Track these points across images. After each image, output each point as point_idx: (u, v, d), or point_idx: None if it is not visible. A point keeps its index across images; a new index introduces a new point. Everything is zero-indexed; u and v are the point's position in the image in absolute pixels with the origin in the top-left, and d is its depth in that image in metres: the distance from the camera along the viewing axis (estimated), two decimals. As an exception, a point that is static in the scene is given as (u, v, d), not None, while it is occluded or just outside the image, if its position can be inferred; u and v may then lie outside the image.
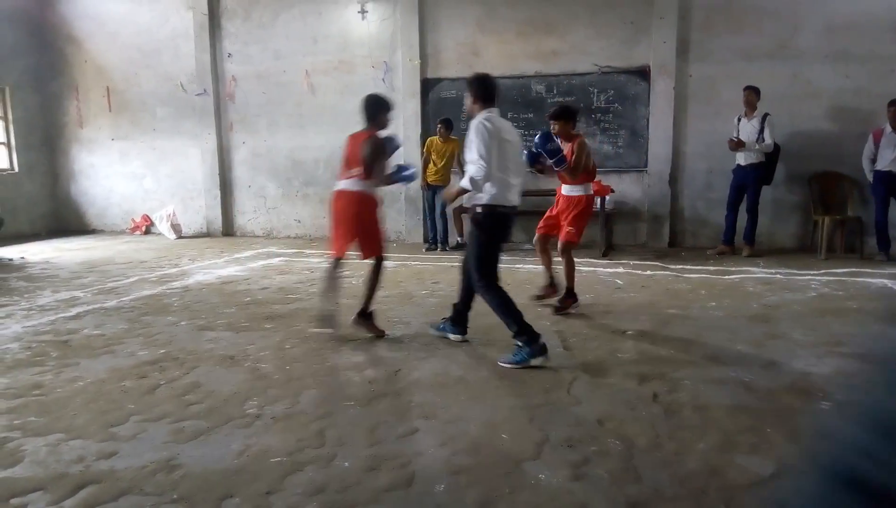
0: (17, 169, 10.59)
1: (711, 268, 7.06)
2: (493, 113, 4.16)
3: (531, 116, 8.89)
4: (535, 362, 3.96)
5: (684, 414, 3.28)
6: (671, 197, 8.56)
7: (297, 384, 3.77)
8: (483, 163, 3.96)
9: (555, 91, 8.80)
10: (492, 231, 4.16)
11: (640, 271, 6.98)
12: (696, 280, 6.48)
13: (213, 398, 3.56)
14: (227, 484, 2.64)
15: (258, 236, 10.03)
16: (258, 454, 2.91)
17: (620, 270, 7.10)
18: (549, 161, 5.06)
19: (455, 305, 4.57)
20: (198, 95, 10.00)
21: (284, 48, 9.75)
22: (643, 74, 8.44)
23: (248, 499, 2.54)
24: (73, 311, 5.56)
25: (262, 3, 9.77)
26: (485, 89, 4.17)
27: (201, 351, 4.39)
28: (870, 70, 7.70)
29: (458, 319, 4.54)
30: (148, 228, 10.58)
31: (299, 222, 10.11)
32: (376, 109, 4.59)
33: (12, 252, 8.68)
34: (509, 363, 4.00)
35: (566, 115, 5.27)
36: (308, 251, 8.68)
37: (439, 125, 8.44)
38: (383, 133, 4.65)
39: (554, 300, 5.38)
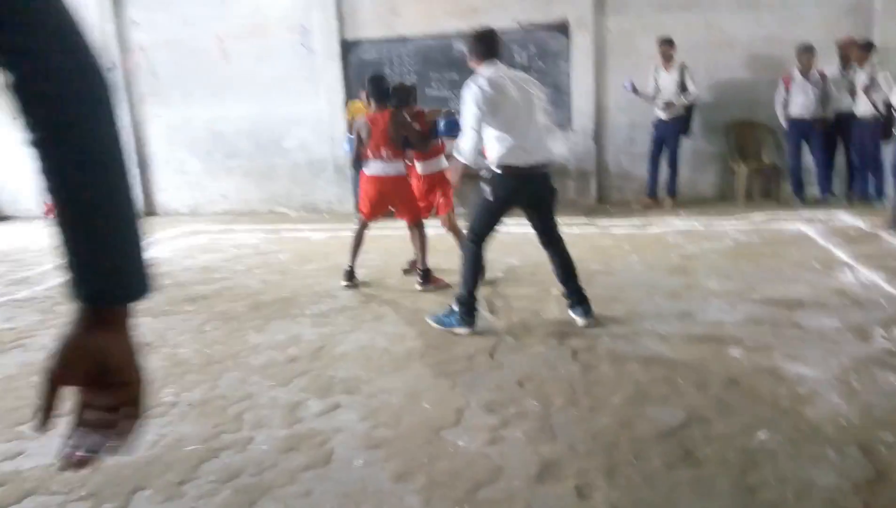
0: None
1: (636, 222, 7.22)
2: (493, 69, 3.89)
3: (455, 76, 8.78)
4: (459, 330, 3.99)
5: (601, 370, 3.37)
6: (596, 153, 8.65)
7: (217, 367, 3.69)
8: (472, 131, 3.82)
9: (478, 50, 8.69)
10: (498, 194, 3.93)
11: (567, 229, 7.01)
12: (621, 235, 6.62)
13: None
14: (139, 477, 2.57)
15: (183, 214, 9.69)
16: (172, 443, 2.84)
17: (548, 228, 7.17)
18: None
19: (566, 286, 4.16)
20: (109, 67, 9.46)
21: (193, 13, 9.25)
22: (563, 29, 8.42)
23: (159, 490, 2.48)
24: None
25: (166, -35, 9.25)
26: (478, 43, 3.93)
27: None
28: (781, 17, 7.89)
29: (578, 296, 4.11)
30: (64, 210, 10.07)
31: (225, 196, 9.79)
32: (381, 89, 5.03)
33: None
34: (436, 323, 4.07)
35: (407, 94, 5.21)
36: (235, 227, 8.45)
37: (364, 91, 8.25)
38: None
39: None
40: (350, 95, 8.88)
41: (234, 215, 9.48)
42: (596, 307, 4.35)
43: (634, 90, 7.84)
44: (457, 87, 8.76)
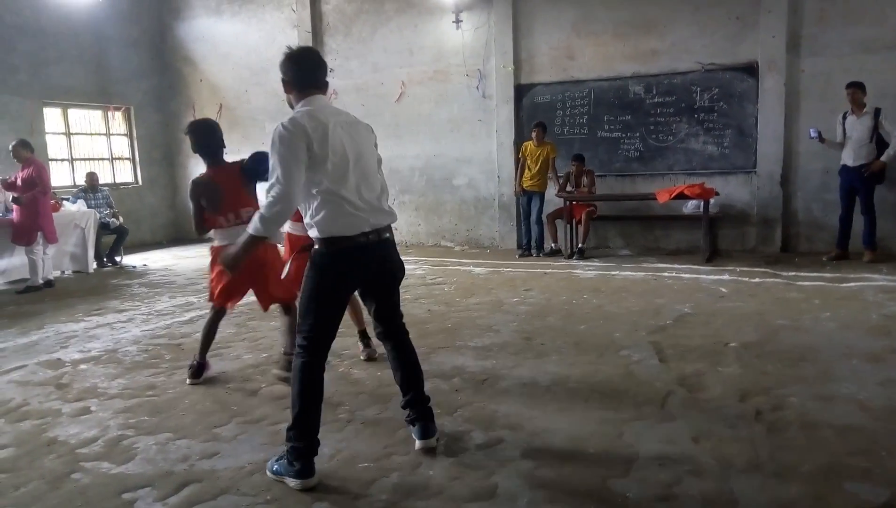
0: (140, 182, 11.48)
1: (827, 275, 6.58)
2: (316, 104, 2.78)
3: (629, 118, 8.66)
4: (291, 483, 2.72)
5: (789, 434, 3.08)
6: (783, 199, 8.06)
7: (388, 389, 3.84)
8: (279, 184, 2.60)
9: (654, 91, 8.52)
10: (324, 274, 2.76)
11: (746, 279, 6.62)
12: (810, 289, 6.06)
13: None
14: (318, 488, 2.73)
15: (358, 244, 10.32)
16: (348, 458, 2.99)
17: (725, 277, 6.76)
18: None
19: (406, 393, 3.13)
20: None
21: (382, 61, 10.02)
22: (750, 70, 8.02)
23: (336, 503, 2.61)
24: (188, 316, 5.94)
25: (362, 18, 10.09)
26: (296, 69, 2.83)
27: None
28: None
29: (420, 410, 3.10)
30: (257, 236, 11.14)
31: (396, 229, 10.28)
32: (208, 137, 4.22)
33: (136, 260, 9.39)
34: (268, 471, 2.86)
35: None
36: (403, 258, 8.83)
37: (533, 130, 8.38)
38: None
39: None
40: (521, 136, 9.06)
41: (402, 247, 9.94)
42: (781, 365, 4.02)
43: (821, 139, 7.25)
44: (630, 129, 8.67)
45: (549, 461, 2.91)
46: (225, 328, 5.41)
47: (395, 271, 3.05)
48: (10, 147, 7.34)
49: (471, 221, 9.84)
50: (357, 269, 2.83)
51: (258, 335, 5.21)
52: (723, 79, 8.18)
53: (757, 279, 6.58)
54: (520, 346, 4.62)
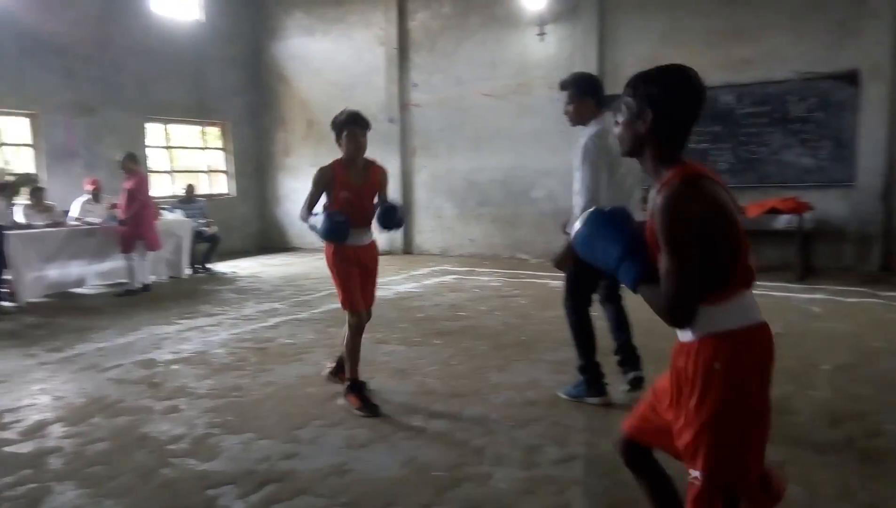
0: (233, 194, 12.05)
1: (935, 297, 6.14)
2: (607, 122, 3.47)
3: (718, 128, 8.38)
4: (592, 401, 3.73)
5: (886, 464, 2.89)
6: (884, 214, 7.58)
7: (461, 400, 3.87)
8: (588, 189, 3.47)
9: (746, 101, 8.21)
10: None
11: (842, 298, 6.26)
12: (914, 310, 5.67)
13: (384, 408, 3.76)
14: (391, 493, 2.78)
15: (434, 254, 10.45)
16: (421, 466, 3.03)
17: (819, 296, 6.41)
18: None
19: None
20: (388, 122, 10.70)
21: (465, 75, 10.13)
22: (851, 79, 7.60)
23: (407, 510, 2.65)
24: (272, 321, 6.18)
25: (447, 34, 10.25)
26: (594, 87, 3.63)
27: (377, 363, 4.66)
28: None
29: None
30: (340, 246, 11.45)
31: (472, 240, 10.38)
32: None
33: (226, 267, 9.84)
34: (567, 395, 3.82)
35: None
36: (479, 270, 8.88)
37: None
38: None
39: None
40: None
41: (478, 259, 9.99)
42: (877, 390, 3.79)
43: None
44: (720, 140, 8.39)
45: (624, 480, 2.84)
46: (305, 334, 5.60)
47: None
48: (120, 159, 7.86)
49: (548, 233, 9.71)
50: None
51: (336, 341, 5.32)
52: (820, 88, 7.79)
53: (853, 299, 6.20)
54: (597, 361, 4.53)
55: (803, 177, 7.96)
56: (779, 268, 7.93)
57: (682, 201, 1.64)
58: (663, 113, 1.75)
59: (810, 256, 7.89)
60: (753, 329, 1.73)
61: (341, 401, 3.87)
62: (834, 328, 5.22)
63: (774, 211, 7.44)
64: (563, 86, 3.72)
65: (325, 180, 3.74)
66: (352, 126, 3.71)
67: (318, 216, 3.62)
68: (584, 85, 3.64)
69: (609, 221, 1.82)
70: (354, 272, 3.82)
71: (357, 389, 3.81)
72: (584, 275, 3.57)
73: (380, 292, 7.26)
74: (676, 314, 1.66)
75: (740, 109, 8.25)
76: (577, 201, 3.55)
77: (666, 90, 1.76)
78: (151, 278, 8.28)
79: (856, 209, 7.72)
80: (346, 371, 3.86)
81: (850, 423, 3.33)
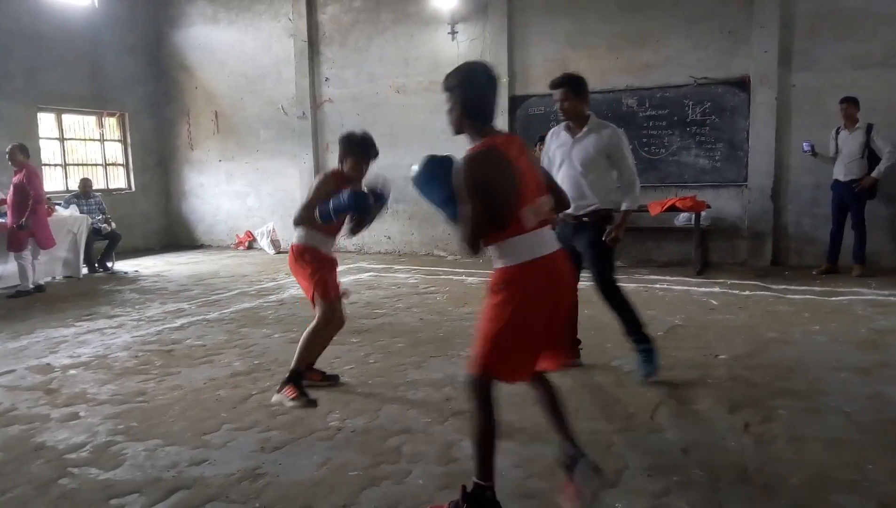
0: (133, 188, 11.47)
1: (817, 289, 6.63)
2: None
3: (622, 130, 8.69)
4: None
5: (777, 446, 3.10)
6: (774, 213, 8.12)
7: (378, 398, 3.85)
8: (634, 172, 4.37)
9: (647, 104, 8.58)
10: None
11: (737, 292, 6.66)
12: (800, 302, 6.10)
13: (299, 409, 3.68)
14: (307, 496, 2.73)
15: (350, 252, 10.33)
16: (337, 466, 2.99)
17: (716, 289, 6.80)
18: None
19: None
20: (298, 117, 10.48)
21: (378, 71, 10.06)
22: (742, 84, 8.09)
23: (325, 512, 2.61)
24: (179, 322, 5.92)
25: (358, 28, 10.14)
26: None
27: (292, 363, 4.55)
28: None
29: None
30: (250, 243, 11.13)
31: (389, 238, 10.34)
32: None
33: (127, 266, 9.36)
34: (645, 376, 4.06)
35: None
36: (396, 267, 8.86)
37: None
38: None
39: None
40: (515, 146, 9.09)
41: (395, 256, 9.97)
42: (770, 377, 4.05)
43: (813, 153, 7.39)
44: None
45: (540, 471, 2.91)
46: (215, 335, 5.41)
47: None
48: (7, 150, 7.32)
49: (464, 230, 9.86)
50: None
51: (249, 341, 5.20)
52: (715, 93, 8.25)
53: (747, 292, 6.61)
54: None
55: (700, 177, 8.41)
56: (679, 263, 8.36)
57: (470, 165, 2.32)
58: (464, 98, 2.40)
59: (708, 251, 8.35)
60: (531, 264, 2.36)
61: (276, 397, 3.79)
62: (730, 320, 5.55)
63: (674, 209, 7.82)
64: (558, 84, 4.20)
65: (328, 187, 3.89)
66: (368, 157, 4.15)
67: (341, 195, 3.69)
68: (580, 84, 4.18)
69: (441, 165, 2.43)
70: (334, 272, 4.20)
71: (299, 379, 3.79)
72: (605, 259, 4.04)
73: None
74: (467, 244, 2.33)
75: (642, 112, 8.62)
76: (594, 190, 4.22)
77: (463, 81, 2.40)
78: (46, 279, 7.77)
79: (748, 208, 8.23)
80: (298, 361, 3.84)
81: (747, 409, 3.54)
